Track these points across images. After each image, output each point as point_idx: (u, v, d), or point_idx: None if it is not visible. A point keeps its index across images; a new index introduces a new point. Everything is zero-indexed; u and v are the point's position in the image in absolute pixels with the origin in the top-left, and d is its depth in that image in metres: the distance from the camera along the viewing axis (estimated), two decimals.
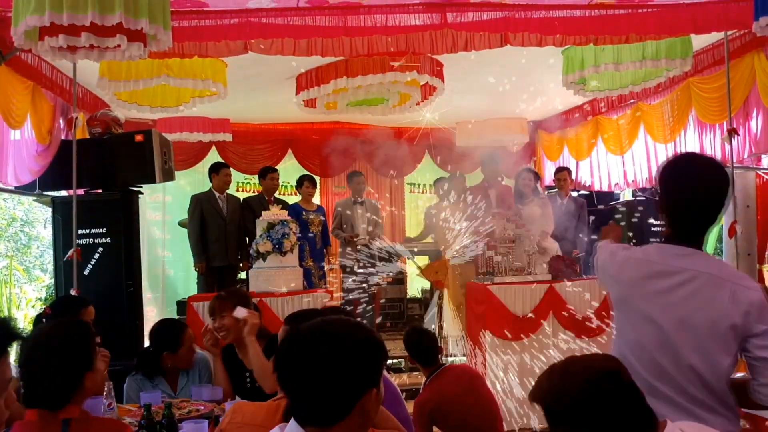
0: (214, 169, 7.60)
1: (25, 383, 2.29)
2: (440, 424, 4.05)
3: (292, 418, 1.64)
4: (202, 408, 3.42)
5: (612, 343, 2.45)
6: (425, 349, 4.24)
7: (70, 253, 5.27)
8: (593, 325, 6.16)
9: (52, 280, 6.71)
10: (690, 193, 2.30)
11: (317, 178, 9.18)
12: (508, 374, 5.97)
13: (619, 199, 9.21)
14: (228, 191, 7.76)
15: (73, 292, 5.12)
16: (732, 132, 5.81)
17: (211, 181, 7.58)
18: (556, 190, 8.51)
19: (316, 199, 8.84)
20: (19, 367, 2.32)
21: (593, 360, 1.78)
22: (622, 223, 8.28)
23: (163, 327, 4.11)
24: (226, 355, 3.96)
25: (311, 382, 1.58)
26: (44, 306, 4.41)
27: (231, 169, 9.87)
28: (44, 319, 3.89)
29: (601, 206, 9.09)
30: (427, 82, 6.96)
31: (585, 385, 1.68)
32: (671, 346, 2.22)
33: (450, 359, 7.04)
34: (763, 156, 6.73)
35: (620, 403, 1.68)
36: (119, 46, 4.02)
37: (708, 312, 2.19)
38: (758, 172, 7.10)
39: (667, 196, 2.37)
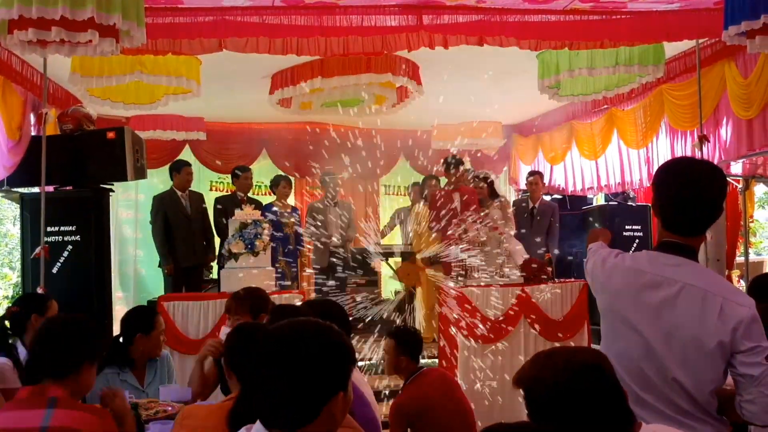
0: (176, 168, 7.41)
1: (37, 354, 2.51)
2: (416, 427, 4.03)
3: (258, 421, 1.61)
4: (170, 409, 3.37)
5: None
6: (414, 349, 4.23)
7: (37, 250, 5.19)
8: (565, 328, 6.23)
9: (20, 278, 6.61)
10: (688, 202, 2.24)
11: (292, 178, 9.14)
12: (481, 376, 5.99)
13: (592, 203, 9.28)
14: (191, 188, 7.60)
15: (39, 291, 5.03)
16: (702, 139, 5.88)
17: (172, 179, 7.42)
18: (528, 193, 8.56)
19: (291, 199, 8.80)
20: (31, 345, 2.60)
21: (577, 352, 1.79)
22: (596, 225, 8.35)
23: (135, 311, 4.08)
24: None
25: (278, 385, 1.56)
26: (9, 306, 4.35)
27: (204, 167, 9.90)
28: (6, 320, 3.81)
29: (572, 211, 9.15)
30: (403, 84, 6.96)
31: (565, 376, 1.69)
32: (657, 359, 2.19)
33: (423, 361, 7.04)
34: (732, 163, 6.82)
35: (598, 398, 1.69)
36: (91, 41, 3.97)
37: (695, 328, 2.15)
38: (727, 179, 7.19)
39: (665, 197, 2.31)
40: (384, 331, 4.62)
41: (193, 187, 7.78)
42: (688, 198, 2.24)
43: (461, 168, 7.41)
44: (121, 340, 3.94)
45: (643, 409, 2.16)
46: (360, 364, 6.63)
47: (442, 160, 7.58)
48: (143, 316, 3.94)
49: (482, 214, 6.80)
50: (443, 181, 8.19)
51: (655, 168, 7.38)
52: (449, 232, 6.58)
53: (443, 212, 6.93)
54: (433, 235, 6.96)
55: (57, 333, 2.54)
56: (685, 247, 2.27)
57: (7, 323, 3.81)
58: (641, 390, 2.20)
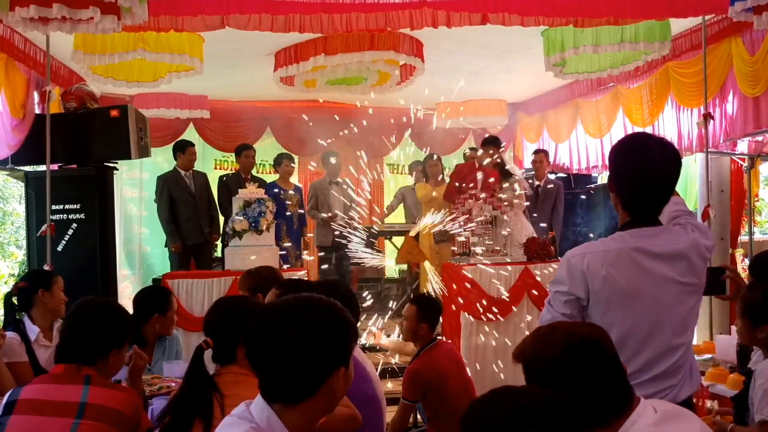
0: (180, 148, 7.49)
1: (64, 339, 2.59)
2: (428, 395, 4.07)
3: (259, 394, 1.63)
4: (174, 385, 3.41)
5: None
6: (434, 318, 4.29)
7: (43, 228, 5.21)
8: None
9: (26, 257, 6.64)
10: (648, 177, 2.27)
11: (296, 157, 9.13)
12: (483, 354, 6.02)
13: (596, 181, 9.26)
14: (195, 168, 7.66)
15: (46, 268, 5.07)
16: (707, 116, 5.84)
17: (176, 159, 7.48)
18: (533, 171, 8.55)
19: (294, 178, 8.80)
20: (63, 323, 2.67)
21: (578, 327, 1.81)
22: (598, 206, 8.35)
23: (150, 291, 4.14)
24: None
25: (279, 359, 1.57)
26: (17, 281, 4.38)
27: (209, 146, 9.90)
28: (14, 296, 3.85)
29: (577, 189, 9.13)
30: (407, 62, 6.91)
31: (564, 350, 1.70)
32: (683, 323, 2.32)
33: None
34: (738, 141, 6.79)
35: (596, 372, 1.71)
36: (92, 18, 3.96)
37: (701, 278, 2.34)
38: (733, 157, 7.16)
39: (624, 181, 2.33)
40: (408, 301, 4.67)
41: (198, 165, 7.81)
42: (647, 188, 2.30)
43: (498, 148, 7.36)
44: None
45: (668, 378, 2.27)
46: (363, 342, 6.68)
47: (486, 137, 7.51)
48: (159, 297, 3.99)
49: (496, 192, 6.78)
50: (445, 159, 8.17)
51: None
52: (455, 210, 6.55)
53: (464, 185, 6.90)
54: (442, 214, 6.92)
55: (88, 321, 2.60)
56: (651, 221, 2.35)
57: (14, 299, 3.85)
58: (664, 358, 2.28)
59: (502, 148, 7.67)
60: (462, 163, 7.59)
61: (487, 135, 7.52)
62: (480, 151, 7.44)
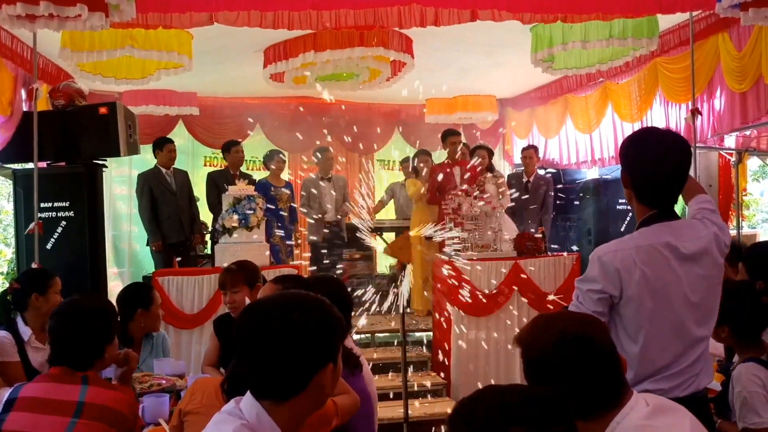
0: (158, 146, 7.39)
1: (56, 346, 2.57)
2: None
3: (248, 392, 1.64)
4: (164, 382, 3.41)
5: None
6: None
7: (31, 226, 5.18)
8: (557, 301, 6.27)
9: (15, 255, 6.61)
10: (662, 167, 2.30)
11: (286, 153, 9.11)
12: (475, 349, 6.05)
13: (586, 177, 9.30)
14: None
15: (34, 266, 5.04)
16: (695, 112, 5.88)
17: (155, 157, 7.41)
18: (523, 167, 8.58)
19: (285, 175, 8.78)
20: (50, 331, 2.62)
21: (571, 321, 1.82)
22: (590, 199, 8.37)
23: (131, 288, 4.13)
24: (221, 326, 3.95)
25: (266, 356, 1.58)
26: (7, 281, 4.36)
27: (198, 143, 9.87)
28: (9, 296, 3.83)
29: (562, 185, 9.16)
30: (396, 58, 6.92)
31: (552, 345, 1.72)
32: (708, 315, 2.37)
33: (418, 335, 7.12)
34: (725, 136, 6.83)
35: (586, 367, 1.72)
36: (80, 15, 3.94)
37: (722, 270, 2.40)
38: (721, 152, 7.20)
39: (638, 174, 2.35)
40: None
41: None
42: (668, 182, 2.33)
43: (461, 139, 7.40)
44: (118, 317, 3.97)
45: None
46: (356, 337, 6.69)
47: (445, 130, 7.57)
48: (142, 292, 3.98)
49: (479, 187, 6.82)
50: (435, 155, 8.19)
51: None
52: (444, 207, 6.58)
53: (445, 186, 6.94)
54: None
55: (78, 328, 2.56)
56: (672, 213, 2.37)
57: (9, 297, 3.83)
58: (690, 348, 2.32)
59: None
60: (436, 164, 7.62)
61: (446, 129, 7.54)
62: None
